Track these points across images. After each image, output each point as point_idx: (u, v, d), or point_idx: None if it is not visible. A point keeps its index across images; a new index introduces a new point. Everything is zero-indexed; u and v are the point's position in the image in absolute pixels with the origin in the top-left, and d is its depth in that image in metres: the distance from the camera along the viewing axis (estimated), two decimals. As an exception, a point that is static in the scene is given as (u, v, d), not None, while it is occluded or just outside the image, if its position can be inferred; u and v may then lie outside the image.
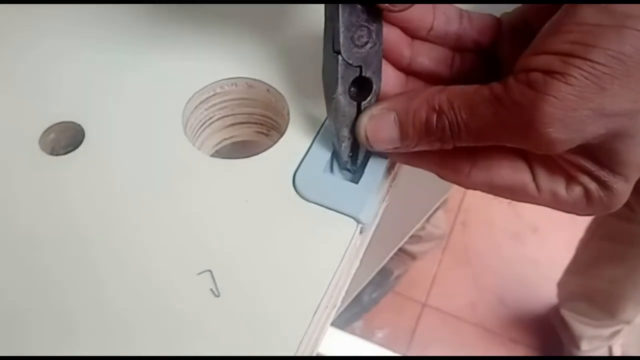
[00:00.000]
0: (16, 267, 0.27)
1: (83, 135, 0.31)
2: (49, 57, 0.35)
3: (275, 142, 0.32)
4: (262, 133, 0.37)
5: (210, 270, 0.27)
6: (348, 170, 0.31)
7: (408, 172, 0.34)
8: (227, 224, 0.29)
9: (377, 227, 0.34)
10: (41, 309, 0.26)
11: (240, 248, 0.28)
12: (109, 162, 0.31)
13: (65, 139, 0.32)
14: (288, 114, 0.33)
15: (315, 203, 0.29)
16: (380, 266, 0.77)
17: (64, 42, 0.36)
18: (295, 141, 0.32)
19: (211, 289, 0.27)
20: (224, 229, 0.29)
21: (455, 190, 1.31)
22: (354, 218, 0.29)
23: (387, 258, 0.76)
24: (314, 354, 0.28)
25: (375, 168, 0.31)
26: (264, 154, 0.31)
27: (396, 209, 0.41)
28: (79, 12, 0.37)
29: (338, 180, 0.30)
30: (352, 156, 0.30)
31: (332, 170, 0.31)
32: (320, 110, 0.32)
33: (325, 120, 0.32)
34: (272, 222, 0.29)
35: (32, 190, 0.30)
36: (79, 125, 0.32)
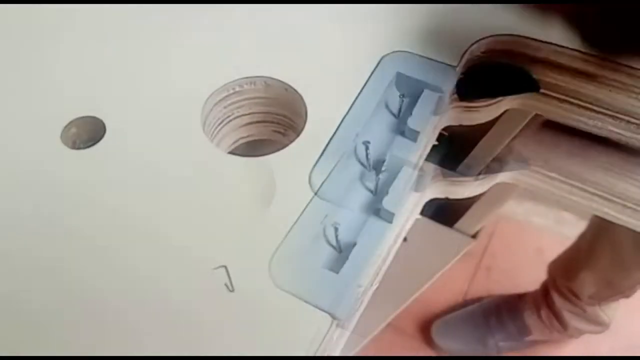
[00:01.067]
0: (39, 259, 0.27)
1: (104, 130, 0.31)
2: (70, 52, 0.35)
3: (290, 142, 0.31)
4: (278, 132, 0.36)
5: (225, 266, 0.26)
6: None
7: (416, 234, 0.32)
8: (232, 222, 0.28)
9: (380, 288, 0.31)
10: (66, 299, 0.26)
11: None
12: (129, 157, 0.31)
13: (87, 133, 0.32)
14: (306, 113, 0.32)
15: (289, 292, 0.26)
16: (384, 324, 0.73)
17: (86, 37, 0.36)
18: (309, 142, 0.30)
19: (225, 284, 0.26)
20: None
21: (481, 233, 1.26)
22: (329, 313, 0.25)
23: (393, 315, 0.72)
24: None
25: (360, 254, 0.27)
26: (273, 155, 0.30)
27: (401, 269, 0.38)
28: (100, 9, 0.38)
29: (317, 268, 0.27)
30: None
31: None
32: (337, 113, 0.31)
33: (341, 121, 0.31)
34: (243, 310, 0.26)
35: (54, 182, 0.30)
36: (100, 120, 0.32)
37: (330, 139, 0.30)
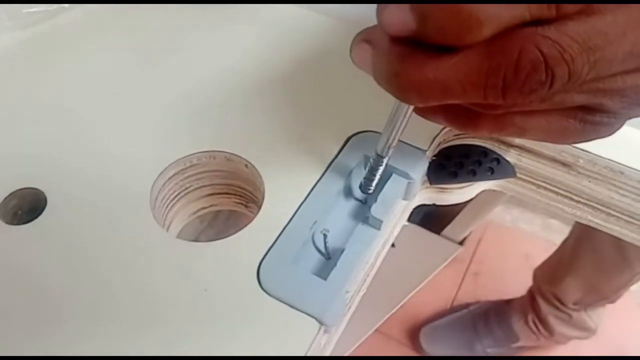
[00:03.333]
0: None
1: (45, 202, 0.29)
2: (12, 118, 0.33)
3: (254, 216, 0.29)
4: (241, 204, 0.34)
5: None
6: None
7: (404, 240, 0.32)
8: (183, 311, 0.26)
9: (368, 294, 0.30)
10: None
11: (195, 339, 0.25)
12: (70, 233, 0.28)
13: (27, 204, 0.30)
14: (264, 192, 0.30)
15: (277, 299, 0.26)
16: (372, 330, 0.73)
17: (34, 94, 0.34)
18: (264, 227, 0.28)
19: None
20: (179, 316, 0.26)
21: (469, 239, 1.27)
22: (316, 319, 0.25)
23: (381, 321, 0.72)
24: None
25: (349, 260, 0.27)
26: (228, 239, 0.28)
27: (390, 274, 0.38)
28: (53, 61, 0.36)
29: (305, 275, 0.27)
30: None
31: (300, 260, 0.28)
32: (297, 194, 0.29)
33: (299, 206, 0.29)
34: (230, 314, 0.26)
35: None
36: (41, 192, 0.29)
37: (285, 225, 0.28)
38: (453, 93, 0.19)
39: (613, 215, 0.32)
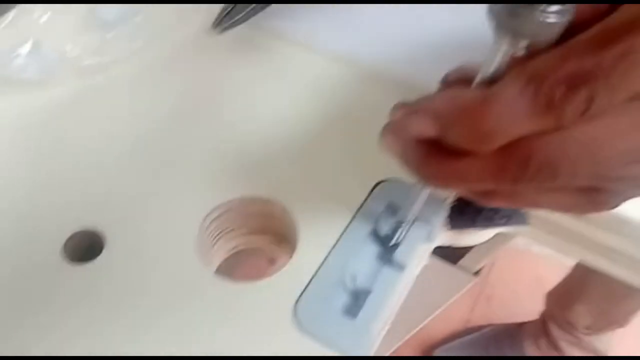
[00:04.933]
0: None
1: (104, 244, 0.32)
2: (74, 165, 0.37)
3: (289, 257, 0.32)
4: (274, 244, 0.37)
5: None
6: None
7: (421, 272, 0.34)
8: (223, 345, 0.29)
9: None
10: None
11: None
12: (123, 274, 0.32)
13: (87, 246, 0.33)
14: (298, 235, 0.33)
15: (311, 334, 0.29)
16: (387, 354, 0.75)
17: (93, 142, 0.38)
18: (298, 269, 0.31)
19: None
20: (218, 350, 0.29)
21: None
22: (346, 355, 0.28)
23: (395, 347, 0.74)
24: None
25: (376, 301, 0.30)
26: (266, 280, 0.31)
27: (406, 303, 0.40)
28: (109, 112, 0.39)
29: (336, 314, 0.30)
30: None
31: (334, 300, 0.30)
32: (328, 238, 0.32)
33: (330, 250, 0.32)
34: (267, 350, 0.29)
35: (51, 293, 0.31)
36: (101, 234, 0.33)
37: (318, 268, 0.31)
38: (470, 183, 0.22)
39: (616, 260, 0.34)
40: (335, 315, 0.30)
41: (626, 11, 0.21)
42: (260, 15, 0.44)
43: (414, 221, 0.33)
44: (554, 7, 0.18)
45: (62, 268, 0.32)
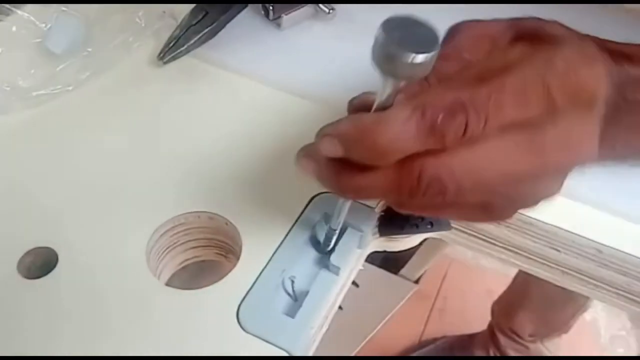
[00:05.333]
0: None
1: (57, 259, 0.34)
2: (26, 187, 0.39)
3: (233, 266, 0.35)
4: (221, 255, 0.40)
5: None
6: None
7: (366, 280, 0.37)
8: (175, 350, 0.31)
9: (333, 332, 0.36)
10: None
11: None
12: (77, 287, 0.34)
13: (42, 261, 0.35)
14: (241, 245, 0.36)
15: (254, 335, 0.32)
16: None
17: (44, 165, 0.40)
18: (242, 275, 0.34)
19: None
20: (168, 353, 0.31)
21: (434, 276, 1.33)
22: (286, 351, 0.31)
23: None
24: None
25: (313, 301, 0.33)
26: (212, 286, 0.34)
27: (353, 312, 0.43)
28: (59, 137, 0.42)
29: (277, 315, 0.33)
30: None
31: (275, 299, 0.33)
32: (269, 247, 0.35)
33: (271, 257, 0.35)
34: (213, 347, 0.31)
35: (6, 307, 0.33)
36: (53, 250, 0.35)
37: (260, 273, 0.34)
38: (377, 195, 0.26)
39: (529, 258, 0.39)
40: (275, 315, 0.33)
41: (504, 54, 0.26)
42: (204, 46, 0.47)
43: (345, 229, 0.36)
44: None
45: (17, 283, 0.33)
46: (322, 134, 0.25)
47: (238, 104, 0.45)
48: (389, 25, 0.21)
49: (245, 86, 0.46)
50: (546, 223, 0.35)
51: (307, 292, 0.34)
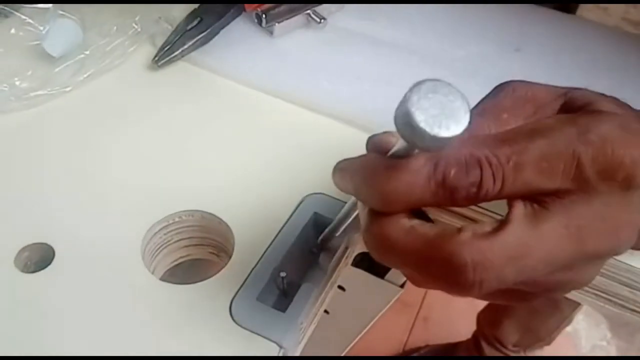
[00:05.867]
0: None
1: (53, 255, 0.36)
2: (22, 184, 0.40)
3: (221, 267, 0.36)
4: (213, 254, 0.41)
5: None
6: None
7: (352, 284, 0.38)
8: (169, 342, 0.32)
9: (320, 335, 0.37)
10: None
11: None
12: (73, 282, 0.35)
13: (38, 256, 0.36)
14: (234, 243, 0.37)
15: (246, 328, 0.33)
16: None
17: (41, 164, 0.41)
18: (235, 271, 0.36)
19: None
20: (164, 347, 0.32)
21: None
22: (277, 343, 0.32)
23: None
24: None
25: (302, 297, 0.34)
26: (206, 282, 0.35)
27: (340, 316, 0.44)
28: (56, 137, 0.43)
29: (268, 309, 0.34)
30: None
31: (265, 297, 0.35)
32: (261, 245, 0.37)
33: (262, 255, 0.36)
34: (207, 340, 0.32)
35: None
36: (50, 246, 0.36)
37: (252, 270, 0.35)
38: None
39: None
40: (267, 309, 0.34)
41: (537, 120, 0.25)
42: (198, 51, 0.49)
43: (335, 229, 0.38)
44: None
45: (15, 277, 0.34)
46: (337, 168, 0.25)
47: (230, 108, 0.46)
48: (419, 91, 0.20)
49: (238, 91, 0.48)
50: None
51: (297, 288, 0.35)
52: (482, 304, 1.15)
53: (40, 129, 0.43)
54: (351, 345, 0.82)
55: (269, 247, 0.37)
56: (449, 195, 0.21)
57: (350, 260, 0.40)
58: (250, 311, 0.34)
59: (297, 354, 0.36)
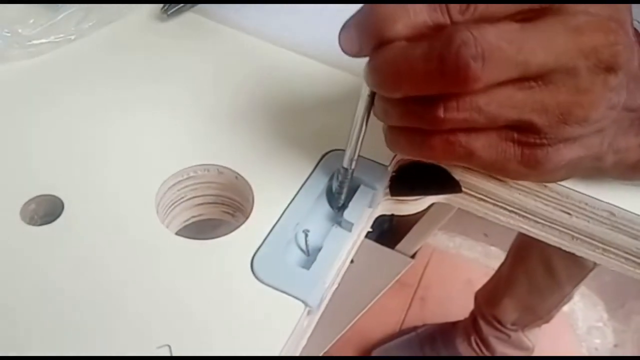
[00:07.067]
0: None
1: (62, 208, 0.34)
2: (27, 134, 0.38)
3: (240, 224, 0.34)
4: (228, 213, 0.39)
5: (169, 345, 0.29)
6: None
7: (361, 256, 0.37)
8: (187, 300, 0.31)
9: (327, 308, 0.36)
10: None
11: (198, 323, 0.30)
12: (84, 235, 0.33)
13: (45, 209, 0.34)
14: (253, 200, 0.35)
15: (269, 285, 0.31)
16: (331, 343, 0.78)
17: (47, 114, 0.39)
18: (255, 228, 0.34)
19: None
20: (183, 305, 0.31)
21: (416, 265, 1.34)
22: (302, 301, 0.31)
23: (338, 336, 0.78)
24: None
25: (326, 256, 0.33)
26: (225, 237, 0.33)
27: (348, 288, 0.43)
28: (63, 86, 0.41)
29: (291, 266, 0.33)
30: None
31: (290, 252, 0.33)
32: (282, 201, 0.35)
33: (284, 211, 0.35)
34: (229, 299, 0.31)
35: (8, 256, 0.32)
36: (59, 198, 0.34)
37: (273, 226, 0.34)
38: (418, 77, 0.24)
39: (539, 222, 0.39)
40: (290, 267, 0.32)
41: None
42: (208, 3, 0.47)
43: (358, 186, 0.36)
44: None
45: (21, 230, 0.33)
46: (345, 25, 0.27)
47: (243, 61, 0.44)
48: None
49: (249, 43, 0.46)
50: (560, 184, 0.36)
51: (320, 248, 0.33)
52: (479, 284, 1.15)
53: (45, 77, 0.41)
54: (358, 316, 0.81)
55: (290, 203, 0.35)
56: (444, 10, 0.23)
57: (372, 221, 0.39)
58: (274, 268, 0.32)
59: (319, 315, 0.35)
